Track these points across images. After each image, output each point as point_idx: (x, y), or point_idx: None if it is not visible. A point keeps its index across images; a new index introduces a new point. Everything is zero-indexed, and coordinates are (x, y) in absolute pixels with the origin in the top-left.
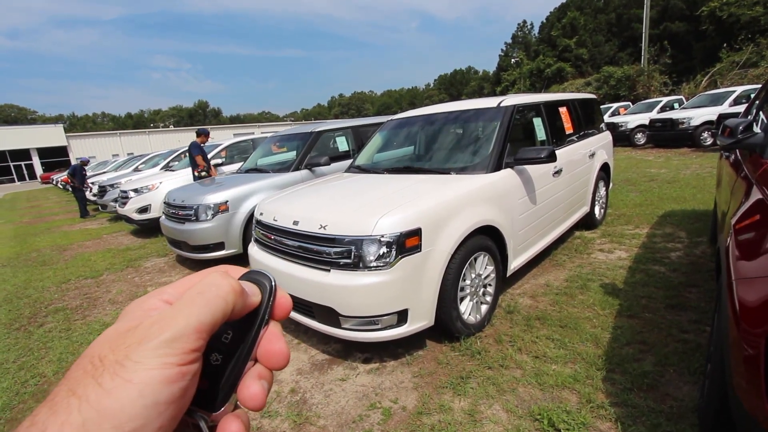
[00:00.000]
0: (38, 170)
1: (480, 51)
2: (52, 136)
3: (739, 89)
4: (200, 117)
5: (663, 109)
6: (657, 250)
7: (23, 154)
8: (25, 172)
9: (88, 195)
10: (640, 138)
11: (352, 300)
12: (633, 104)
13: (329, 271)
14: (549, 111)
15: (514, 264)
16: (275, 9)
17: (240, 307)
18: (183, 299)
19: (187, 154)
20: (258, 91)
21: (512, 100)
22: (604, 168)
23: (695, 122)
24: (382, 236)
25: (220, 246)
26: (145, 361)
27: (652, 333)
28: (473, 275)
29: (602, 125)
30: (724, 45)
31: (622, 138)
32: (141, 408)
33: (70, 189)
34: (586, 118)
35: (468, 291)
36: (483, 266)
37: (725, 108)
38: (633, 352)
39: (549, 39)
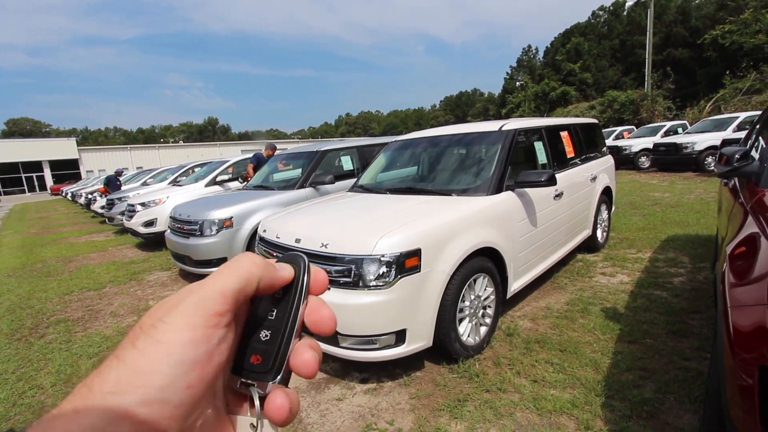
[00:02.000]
0: (49, 182)
1: (486, 74)
2: (64, 149)
3: (743, 115)
4: (209, 133)
5: (667, 134)
6: (659, 275)
7: (35, 166)
8: (36, 183)
9: (95, 207)
10: (644, 162)
11: (351, 319)
12: (637, 128)
13: (329, 289)
14: (550, 135)
15: (515, 286)
16: (288, 31)
17: (268, 279)
18: (212, 273)
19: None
20: (267, 109)
21: (514, 124)
22: (606, 191)
23: (699, 147)
24: (382, 256)
25: (223, 261)
26: (174, 321)
27: (653, 359)
28: (472, 297)
29: (604, 149)
30: (727, 72)
31: (626, 161)
32: (167, 366)
33: (103, 197)
34: (588, 142)
35: (467, 312)
36: (483, 288)
37: (729, 133)
38: (633, 378)
39: (553, 63)
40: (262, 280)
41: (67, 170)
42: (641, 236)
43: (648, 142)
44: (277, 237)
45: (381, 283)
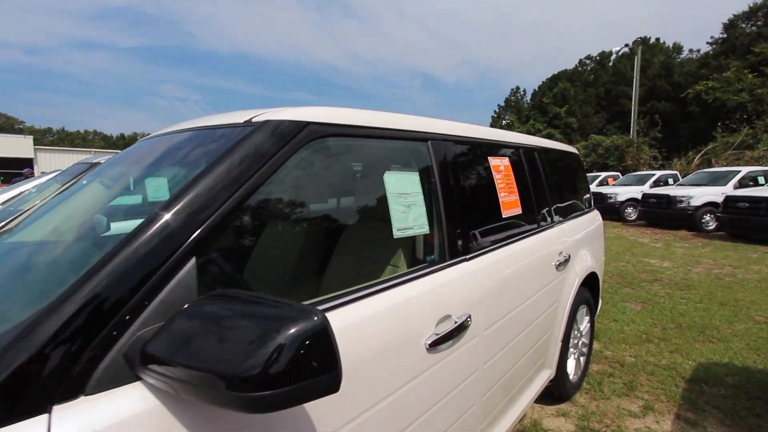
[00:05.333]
0: None
1: (475, 110)
2: (18, 147)
3: (745, 170)
4: None
5: (656, 184)
6: None
7: None
8: None
9: None
10: (631, 213)
11: None
12: (622, 175)
13: None
14: (454, 160)
15: None
16: (287, 55)
17: None
18: None
19: None
20: None
21: (299, 113)
22: (590, 280)
23: (695, 202)
24: None
25: None
26: None
27: None
28: None
29: (587, 197)
30: (719, 124)
31: (611, 211)
32: None
33: None
34: (560, 186)
35: None
36: None
37: (730, 189)
38: None
39: (540, 105)
40: None
41: (20, 169)
42: (646, 358)
43: (636, 192)
44: None
45: None
